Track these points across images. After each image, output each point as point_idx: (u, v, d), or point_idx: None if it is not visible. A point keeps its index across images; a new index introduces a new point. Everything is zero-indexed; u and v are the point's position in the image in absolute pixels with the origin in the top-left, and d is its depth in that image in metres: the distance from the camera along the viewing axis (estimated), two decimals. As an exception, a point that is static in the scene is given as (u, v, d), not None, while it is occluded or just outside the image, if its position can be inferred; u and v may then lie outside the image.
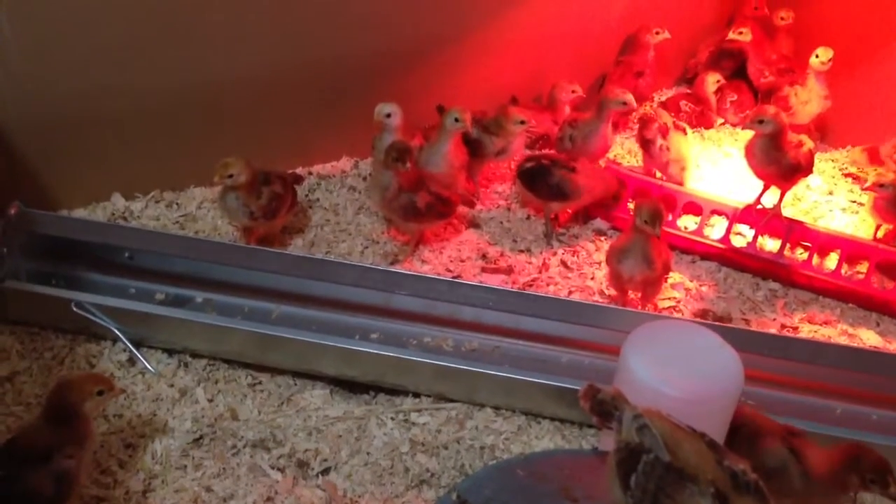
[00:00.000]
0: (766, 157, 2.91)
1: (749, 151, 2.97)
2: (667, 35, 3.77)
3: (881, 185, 2.95)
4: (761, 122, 2.86)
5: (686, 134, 3.29)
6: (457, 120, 2.99)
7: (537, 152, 3.40)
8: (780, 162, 2.89)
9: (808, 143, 2.98)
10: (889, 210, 3.00)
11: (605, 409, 1.67)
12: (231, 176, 2.69)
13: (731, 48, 3.98)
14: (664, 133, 3.21)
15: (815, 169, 3.07)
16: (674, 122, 3.27)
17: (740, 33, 3.79)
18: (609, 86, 3.70)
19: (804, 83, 3.49)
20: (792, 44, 3.94)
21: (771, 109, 2.92)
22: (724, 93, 3.79)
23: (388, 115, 3.00)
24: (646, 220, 2.52)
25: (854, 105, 3.73)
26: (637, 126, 3.73)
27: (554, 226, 3.17)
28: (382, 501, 2.10)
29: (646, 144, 3.27)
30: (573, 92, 3.55)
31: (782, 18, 3.89)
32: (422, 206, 2.85)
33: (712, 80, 3.71)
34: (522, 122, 3.16)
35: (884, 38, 3.66)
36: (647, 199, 2.72)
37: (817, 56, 3.39)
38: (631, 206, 3.22)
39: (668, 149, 3.21)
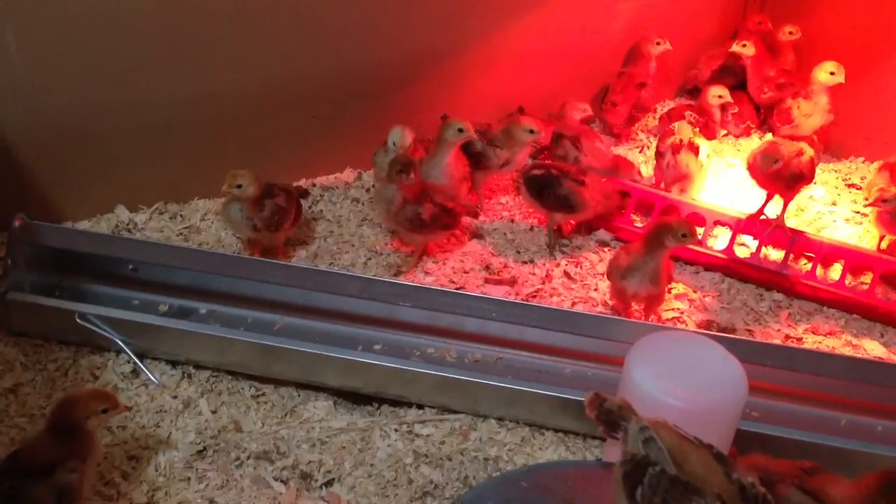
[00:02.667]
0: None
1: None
2: (668, 46, 3.78)
3: (884, 201, 2.94)
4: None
5: (698, 154, 3.24)
6: (460, 130, 2.99)
7: (544, 161, 3.39)
8: None
9: (809, 151, 2.98)
10: (893, 222, 2.99)
11: (611, 418, 1.66)
12: (240, 186, 2.70)
13: (732, 65, 4.00)
14: (676, 150, 3.22)
15: (818, 180, 3.06)
16: (689, 142, 3.23)
17: (744, 45, 3.79)
18: (611, 97, 3.73)
19: (808, 96, 3.47)
20: (794, 57, 3.95)
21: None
22: (726, 105, 3.81)
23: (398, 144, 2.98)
24: (684, 235, 2.53)
25: (857, 117, 3.73)
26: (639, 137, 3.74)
27: (557, 236, 3.17)
28: (386, 513, 2.09)
29: (658, 156, 3.31)
30: (584, 111, 3.55)
31: (791, 33, 3.89)
32: (427, 218, 2.85)
33: (715, 93, 3.72)
34: (532, 132, 3.15)
35: (886, 49, 3.67)
36: (672, 218, 2.77)
37: (832, 73, 3.36)
38: (637, 219, 3.23)
39: (674, 167, 3.22)
